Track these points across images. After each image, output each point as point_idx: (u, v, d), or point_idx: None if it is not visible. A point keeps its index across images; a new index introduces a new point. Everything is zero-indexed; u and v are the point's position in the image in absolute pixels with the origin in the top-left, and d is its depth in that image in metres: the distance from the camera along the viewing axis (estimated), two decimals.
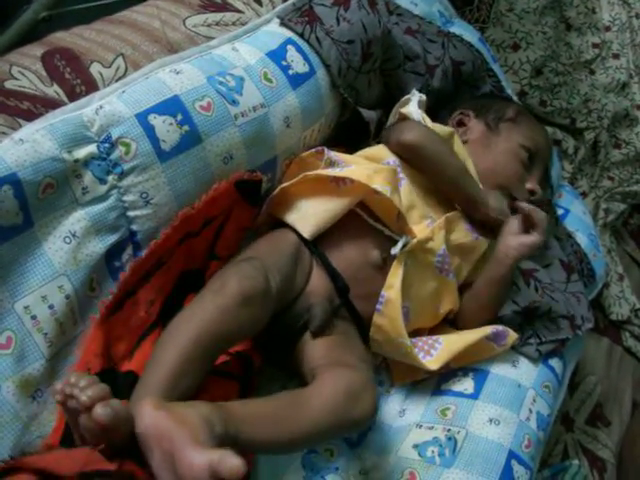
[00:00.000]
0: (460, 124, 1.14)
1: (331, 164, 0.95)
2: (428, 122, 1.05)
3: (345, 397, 0.74)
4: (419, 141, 0.98)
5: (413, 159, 0.99)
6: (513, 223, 1.00)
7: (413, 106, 1.06)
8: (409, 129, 1.00)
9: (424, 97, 1.10)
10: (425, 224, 0.95)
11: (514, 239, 0.99)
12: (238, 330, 0.73)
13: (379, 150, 1.01)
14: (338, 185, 0.91)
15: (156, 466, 0.58)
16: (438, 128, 1.04)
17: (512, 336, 0.97)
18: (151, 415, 0.59)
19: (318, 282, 0.88)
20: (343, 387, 0.75)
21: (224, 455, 0.54)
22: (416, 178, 0.99)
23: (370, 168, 0.92)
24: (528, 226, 1.00)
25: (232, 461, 0.53)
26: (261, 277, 0.74)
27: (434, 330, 1.00)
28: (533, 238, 0.98)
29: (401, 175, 0.97)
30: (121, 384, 0.71)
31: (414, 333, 0.94)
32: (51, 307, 0.69)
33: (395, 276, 0.89)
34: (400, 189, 0.94)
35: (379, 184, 0.88)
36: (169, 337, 0.69)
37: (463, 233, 1.00)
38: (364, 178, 0.89)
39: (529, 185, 1.08)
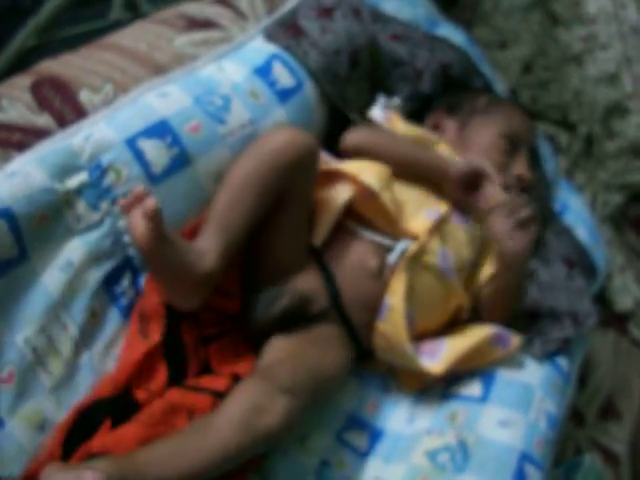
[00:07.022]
0: (435, 127, 1.12)
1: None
2: (396, 123, 1.04)
3: (249, 412, 0.71)
4: (357, 142, 0.98)
5: (364, 156, 0.98)
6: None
7: (376, 109, 1.06)
8: (350, 133, 0.99)
9: (397, 101, 1.08)
10: (424, 215, 0.94)
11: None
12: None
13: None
14: (332, 183, 0.91)
15: None
16: (407, 128, 1.04)
17: (516, 339, 0.97)
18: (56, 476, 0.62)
19: (310, 281, 0.88)
20: (248, 400, 0.72)
21: None
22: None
23: (362, 164, 0.93)
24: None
25: None
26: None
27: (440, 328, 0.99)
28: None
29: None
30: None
31: (421, 335, 0.93)
32: (50, 338, 0.69)
33: (398, 282, 0.89)
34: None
35: (367, 177, 0.89)
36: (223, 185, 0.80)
37: (455, 227, 0.97)
38: (354, 170, 0.90)
39: (516, 171, 1.06)
